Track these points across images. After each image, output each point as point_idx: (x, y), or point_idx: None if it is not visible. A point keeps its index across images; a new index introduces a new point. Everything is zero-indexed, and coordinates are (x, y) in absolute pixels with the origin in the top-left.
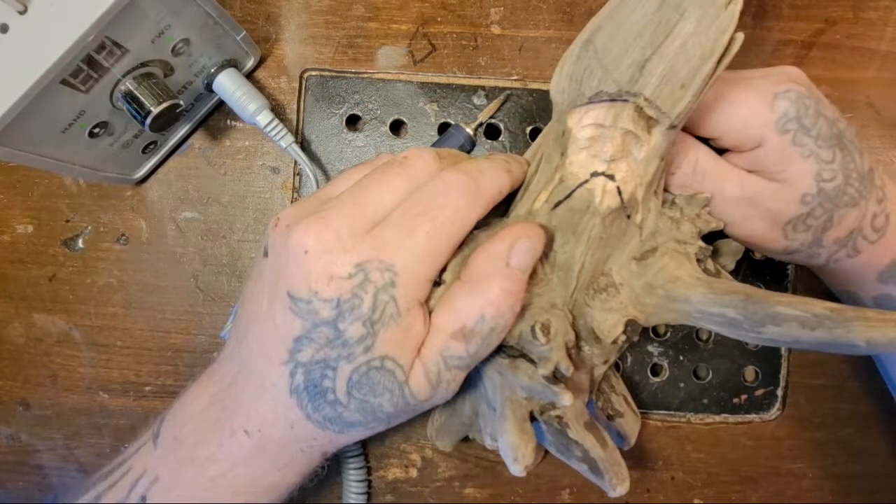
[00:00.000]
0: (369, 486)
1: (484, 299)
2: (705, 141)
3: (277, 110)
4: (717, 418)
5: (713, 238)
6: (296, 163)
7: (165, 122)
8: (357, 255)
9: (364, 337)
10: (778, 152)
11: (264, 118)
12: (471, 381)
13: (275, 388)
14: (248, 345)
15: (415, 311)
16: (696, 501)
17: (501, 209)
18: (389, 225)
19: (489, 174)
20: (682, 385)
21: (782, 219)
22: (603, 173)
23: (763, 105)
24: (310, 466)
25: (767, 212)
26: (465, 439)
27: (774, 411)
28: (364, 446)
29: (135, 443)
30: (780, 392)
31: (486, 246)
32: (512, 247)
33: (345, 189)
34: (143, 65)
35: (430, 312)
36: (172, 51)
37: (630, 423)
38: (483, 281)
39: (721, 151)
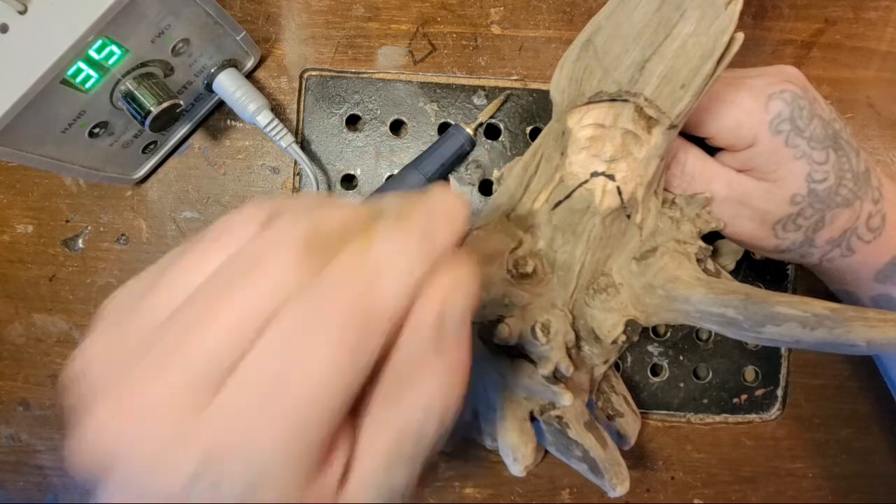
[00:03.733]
0: None
1: (407, 414)
2: (699, 140)
3: (277, 110)
4: (717, 418)
5: (713, 238)
6: (296, 163)
7: (165, 122)
8: (191, 456)
9: None
10: (770, 153)
11: (264, 118)
12: (471, 380)
13: None
14: None
15: (309, 487)
16: (696, 501)
17: (503, 209)
18: (235, 397)
19: (392, 275)
20: (682, 385)
21: (771, 218)
22: (603, 173)
23: (757, 105)
24: None
25: (757, 211)
26: (466, 439)
27: (774, 411)
28: None
29: None
30: (780, 392)
31: (410, 321)
32: (443, 316)
33: (172, 311)
34: (143, 65)
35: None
36: (172, 51)
37: (630, 423)
38: (407, 383)
39: (715, 150)
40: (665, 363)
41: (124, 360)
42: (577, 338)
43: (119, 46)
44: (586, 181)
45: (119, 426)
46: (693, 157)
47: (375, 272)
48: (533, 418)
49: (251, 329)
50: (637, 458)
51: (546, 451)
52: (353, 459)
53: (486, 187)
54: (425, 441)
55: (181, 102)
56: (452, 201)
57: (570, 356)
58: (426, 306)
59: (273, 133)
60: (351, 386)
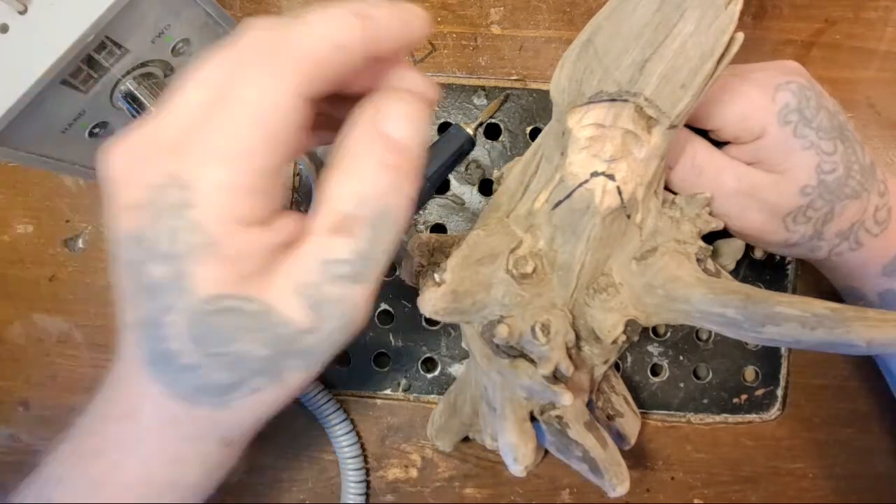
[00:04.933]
0: (368, 487)
1: (358, 178)
2: (705, 133)
3: None
4: (717, 418)
5: (713, 238)
6: (296, 163)
7: None
8: (151, 176)
9: (174, 278)
10: (779, 144)
11: None
12: (471, 381)
13: (127, 363)
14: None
15: (237, 232)
16: (696, 501)
17: (503, 209)
18: (191, 132)
19: (311, 26)
20: (682, 385)
21: (781, 211)
22: (603, 173)
23: (764, 97)
24: (208, 460)
25: (766, 204)
26: (465, 439)
27: (774, 411)
28: (362, 447)
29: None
30: (780, 392)
31: (355, 116)
32: (385, 112)
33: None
34: (143, 65)
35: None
36: (172, 51)
37: (630, 423)
38: (355, 159)
39: (720, 144)
40: (665, 363)
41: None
42: (577, 338)
43: (119, 46)
44: (586, 181)
45: (113, 154)
46: (702, 150)
47: (296, 25)
48: (533, 418)
49: (220, 83)
50: (637, 458)
51: (546, 451)
52: (299, 237)
53: (486, 187)
54: (363, 231)
55: None
56: (410, 8)
57: (570, 356)
58: (371, 103)
59: None
60: (275, 118)
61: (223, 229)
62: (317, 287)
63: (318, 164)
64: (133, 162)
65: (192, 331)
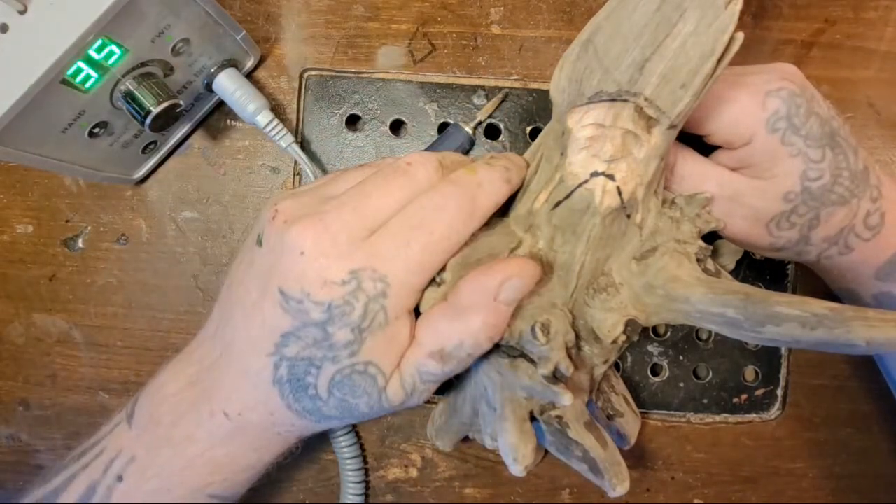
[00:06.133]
0: (367, 487)
1: (465, 328)
2: (698, 138)
3: (277, 110)
4: (717, 418)
5: (713, 238)
6: (296, 163)
7: (165, 122)
8: (352, 263)
9: (351, 342)
10: (766, 150)
11: (264, 118)
12: (471, 381)
13: (257, 376)
14: (232, 330)
15: (402, 321)
16: (696, 501)
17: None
18: (386, 235)
19: (487, 188)
20: (682, 385)
21: (765, 216)
22: (603, 173)
23: (754, 103)
24: (286, 447)
25: (750, 209)
26: (465, 439)
27: (774, 411)
28: (362, 447)
29: (107, 424)
30: (780, 392)
31: (478, 276)
32: (503, 284)
33: (346, 189)
34: (143, 65)
35: (416, 318)
36: (172, 51)
37: (630, 423)
38: (468, 311)
39: (711, 149)
40: (665, 363)
41: (315, 206)
42: (577, 338)
43: (119, 46)
44: (586, 181)
45: (312, 233)
46: (683, 158)
47: (479, 184)
48: (533, 418)
49: (405, 200)
50: (637, 458)
51: (546, 451)
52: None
53: None
54: (451, 363)
55: (181, 102)
56: (518, 157)
57: (569, 356)
58: (496, 270)
59: (273, 133)
60: (456, 245)
61: (396, 316)
62: (412, 384)
63: (320, 166)
64: (333, 245)
65: (335, 377)
